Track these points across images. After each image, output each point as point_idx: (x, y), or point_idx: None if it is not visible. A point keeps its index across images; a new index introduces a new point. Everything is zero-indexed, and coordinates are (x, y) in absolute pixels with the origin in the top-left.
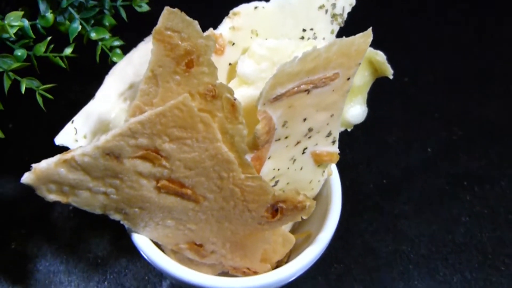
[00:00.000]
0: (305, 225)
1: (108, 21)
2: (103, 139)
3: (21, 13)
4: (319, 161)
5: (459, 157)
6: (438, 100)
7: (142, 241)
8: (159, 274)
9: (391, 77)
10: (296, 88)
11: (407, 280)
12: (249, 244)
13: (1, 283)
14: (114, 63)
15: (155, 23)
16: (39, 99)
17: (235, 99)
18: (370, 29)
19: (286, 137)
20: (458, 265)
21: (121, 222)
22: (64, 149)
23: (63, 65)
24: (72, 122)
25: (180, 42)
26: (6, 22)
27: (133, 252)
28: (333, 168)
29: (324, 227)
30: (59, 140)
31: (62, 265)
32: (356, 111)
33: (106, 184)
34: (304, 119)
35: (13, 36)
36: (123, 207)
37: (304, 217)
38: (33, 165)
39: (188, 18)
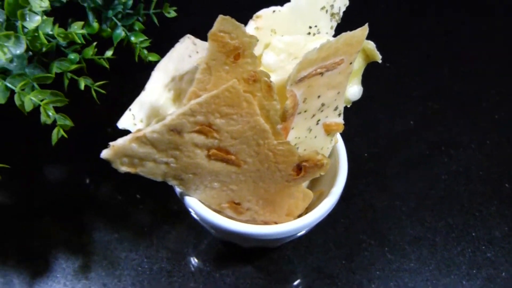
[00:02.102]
0: (317, 185)
1: (138, 26)
2: (169, 118)
3: (82, 23)
4: (329, 130)
5: (435, 127)
6: (415, 80)
7: (193, 202)
8: (199, 236)
9: (380, 61)
10: (314, 72)
11: (401, 228)
12: (277, 200)
13: (65, 254)
14: (149, 62)
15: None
16: (94, 94)
17: (271, 82)
18: (366, 24)
19: (305, 111)
20: (441, 214)
21: (177, 187)
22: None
23: (106, 65)
24: (130, 110)
25: (230, 41)
26: (72, 30)
27: (173, 220)
28: (338, 137)
29: (335, 184)
30: (121, 124)
31: (114, 234)
32: (354, 90)
33: (168, 155)
34: (319, 96)
35: (80, 41)
36: (180, 174)
37: (322, 173)
38: (111, 143)
39: (236, 22)
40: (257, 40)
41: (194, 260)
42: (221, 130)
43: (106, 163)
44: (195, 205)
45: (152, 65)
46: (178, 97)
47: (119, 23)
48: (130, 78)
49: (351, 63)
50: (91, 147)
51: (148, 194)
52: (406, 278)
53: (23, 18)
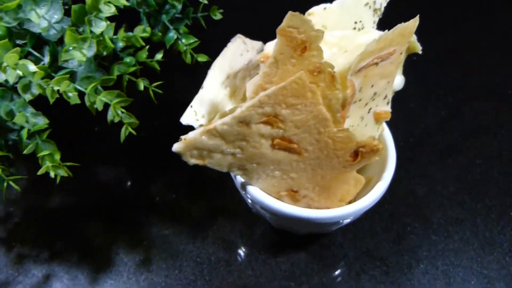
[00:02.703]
0: (364, 173)
1: (182, 29)
2: (238, 111)
3: (143, 27)
4: (378, 118)
5: (465, 116)
6: (443, 72)
7: (255, 191)
8: (252, 227)
9: (420, 52)
10: (371, 62)
11: (443, 211)
12: (332, 186)
13: (126, 249)
14: (198, 62)
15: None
16: (152, 94)
17: (334, 72)
18: (417, 16)
19: (360, 100)
20: (479, 196)
21: (239, 177)
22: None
23: (157, 67)
24: (191, 107)
25: (297, 35)
26: (136, 33)
27: (226, 213)
28: (384, 125)
29: (386, 170)
30: (184, 120)
31: (171, 229)
32: (397, 80)
33: (235, 146)
34: (372, 85)
35: (140, 44)
36: (244, 164)
37: (377, 158)
38: (182, 136)
39: (304, 17)
40: (323, 34)
41: (249, 250)
42: (286, 120)
43: (163, 161)
44: (257, 194)
45: (196, 66)
46: (233, 94)
47: (171, 27)
48: (178, 78)
49: (401, 53)
50: (152, 145)
51: (200, 190)
52: (451, 257)
53: (90, 23)
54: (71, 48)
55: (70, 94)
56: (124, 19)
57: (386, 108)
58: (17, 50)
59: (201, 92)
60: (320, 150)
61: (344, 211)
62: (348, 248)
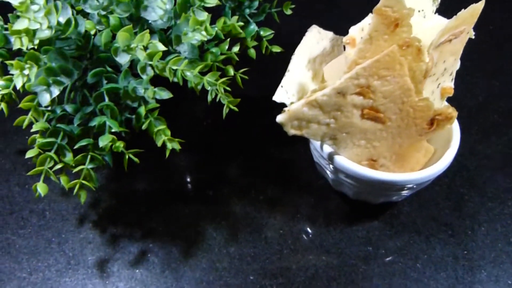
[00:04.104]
0: (430, 144)
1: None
2: (337, 82)
3: (237, 17)
4: (444, 93)
5: (501, 100)
6: (486, 56)
7: (342, 160)
8: (327, 200)
9: (473, 37)
10: (447, 38)
11: (494, 181)
12: (407, 155)
13: (213, 226)
14: (272, 53)
15: None
16: (239, 80)
17: (421, 46)
18: None
19: (434, 74)
20: None
21: (329, 147)
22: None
23: (235, 58)
24: (282, 87)
25: (391, 14)
26: (232, 22)
27: (303, 189)
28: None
29: (453, 139)
30: (278, 98)
31: (251, 206)
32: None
33: (330, 116)
34: (444, 61)
35: (238, 31)
36: (336, 133)
37: (449, 126)
38: (285, 108)
39: None
40: (413, 11)
41: (327, 221)
42: (376, 91)
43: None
44: (344, 162)
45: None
46: (315, 76)
47: (251, 20)
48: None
49: (468, 32)
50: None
51: (277, 171)
52: (508, 220)
53: (194, 13)
54: (190, 31)
55: (188, 73)
56: None
57: (450, 84)
58: (147, 31)
59: (288, 74)
60: (402, 119)
61: (422, 174)
62: (416, 216)
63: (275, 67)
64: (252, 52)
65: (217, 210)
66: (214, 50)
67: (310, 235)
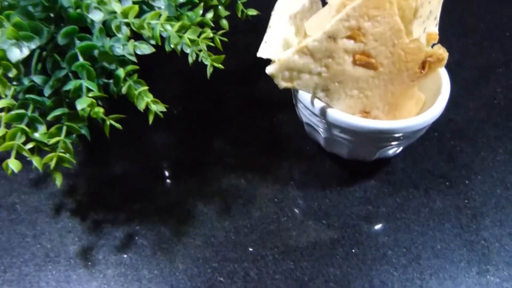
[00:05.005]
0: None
1: None
2: (328, 25)
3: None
4: (429, 39)
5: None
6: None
7: (336, 113)
8: (320, 162)
9: None
10: None
11: (483, 132)
12: (399, 103)
13: (203, 202)
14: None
15: None
16: (218, 43)
17: None
18: None
19: (420, 16)
20: (508, 118)
21: (322, 99)
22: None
23: (211, 24)
24: (265, 42)
25: None
26: None
27: (297, 159)
28: None
29: (442, 87)
30: (262, 54)
31: (242, 178)
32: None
33: (322, 64)
34: (429, 2)
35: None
36: (328, 83)
37: (439, 68)
38: (275, 58)
39: None
40: None
41: (322, 184)
42: (367, 33)
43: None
44: (339, 115)
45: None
46: (298, 31)
47: None
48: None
49: None
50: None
51: (272, 140)
52: (502, 166)
53: None
54: None
55: (168, 27)
56: None
57: (435, 29)
58: None
59: (270, 30)
60: (393, 63)
61: (419, 120)
62: (411, 171)
63: (252, 34)
64: (225, 23)
65: (205, 185)
66: (189, 13)
67: (307, 201)
